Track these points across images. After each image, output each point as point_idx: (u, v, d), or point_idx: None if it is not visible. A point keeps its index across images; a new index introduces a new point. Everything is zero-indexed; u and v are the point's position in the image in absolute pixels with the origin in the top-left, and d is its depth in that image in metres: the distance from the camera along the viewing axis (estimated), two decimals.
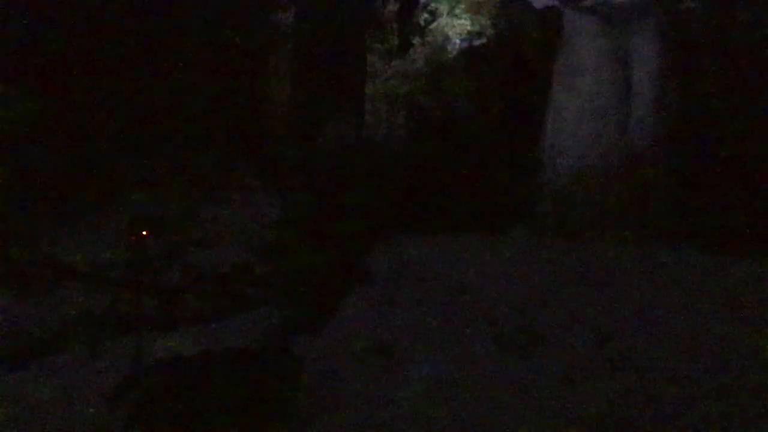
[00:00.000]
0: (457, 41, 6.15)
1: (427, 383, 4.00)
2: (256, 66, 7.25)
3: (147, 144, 7.34)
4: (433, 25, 6.22)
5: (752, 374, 3.61)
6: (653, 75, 6.14)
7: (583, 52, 6.39)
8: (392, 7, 6.35)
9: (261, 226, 6.48)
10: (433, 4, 6.32)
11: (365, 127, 6.06)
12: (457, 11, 6.21)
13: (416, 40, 6.21)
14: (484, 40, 6.11)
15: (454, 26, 6.20)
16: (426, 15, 6.24)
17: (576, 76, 6.39)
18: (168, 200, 6.91)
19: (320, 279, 5.29)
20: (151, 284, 5.28)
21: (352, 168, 5.84)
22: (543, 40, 6.45)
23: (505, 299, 4.70)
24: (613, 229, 5.83)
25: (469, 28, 6.14)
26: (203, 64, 7.23)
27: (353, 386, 4.14)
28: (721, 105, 5.86)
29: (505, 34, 6.23)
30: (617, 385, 3.68)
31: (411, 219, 6.03)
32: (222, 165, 7.47)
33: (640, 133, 6.09)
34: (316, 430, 3.75)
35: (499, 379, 3.93)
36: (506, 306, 4.61)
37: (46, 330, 6.13)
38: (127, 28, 7.24)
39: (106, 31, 7.15)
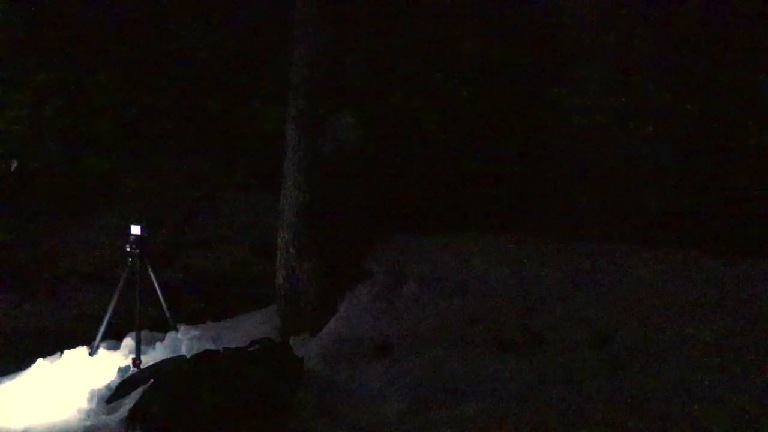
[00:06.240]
0: None
1: (427, 383, 4.01)
2: None
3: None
4: None
5: (753, 376, 3.61)
6: None
7: None
8: None
9: (261, 226, 6.48)
10: None
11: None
12: None
13: None
14: None
15: None
16: None
17: None
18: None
19: (320, 279, 5.28)
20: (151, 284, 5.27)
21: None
22: None
23: (505, 299, 4.70)
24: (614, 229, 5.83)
25: None
26: None
27: (353, 386, 4.14)
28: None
29: None
30: (617, 385, 3.69)
31: (411, 219, 6.03)
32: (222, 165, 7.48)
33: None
34: (316, 430, 3.75)
35: (499, 379, 3.94)
36: (506, 306, 4.61)
37: (46, 330, 6.13)
38: None
39: None
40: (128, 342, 5.32)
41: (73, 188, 7.20)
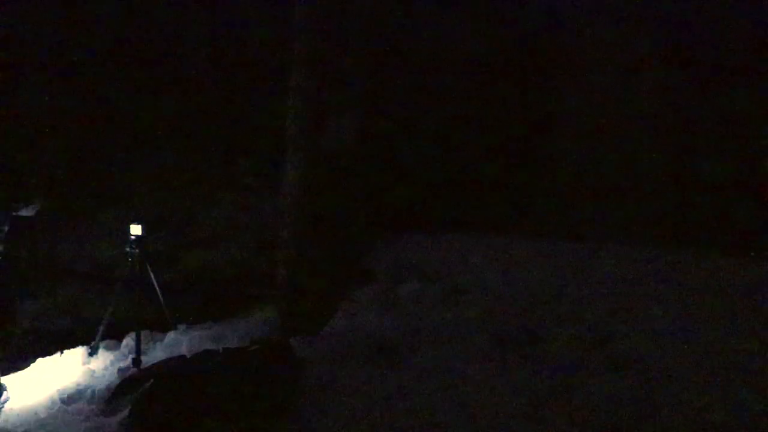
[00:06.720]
0: None
1: (427, 383, 4.01)
2: None
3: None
4: None
5: (755, 376, 3.61)
6: None
7: None
8: None
9: (261, 226, 6.48)
10: None
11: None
12: None
13: None
14: None
15: None
16: None
17: None
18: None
19: (320, 279, 5.28)
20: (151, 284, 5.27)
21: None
22: None
23: (505, 299, 4.70)
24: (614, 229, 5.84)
25: None
26: None
27: (353, 386, 4.13)
28: None
29: None
30: (617, 385, 3.69)
31: (411, 219, 6.03)
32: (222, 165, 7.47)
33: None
34: (316, 430, 3.75)
35: (499, 378, 3.94)
36: (506, 305, 4.61)
37: (46, 330, 6.13)
38: None
39: None
40: (128, 342, 5.32)
41: (73, 188, 7.19)
